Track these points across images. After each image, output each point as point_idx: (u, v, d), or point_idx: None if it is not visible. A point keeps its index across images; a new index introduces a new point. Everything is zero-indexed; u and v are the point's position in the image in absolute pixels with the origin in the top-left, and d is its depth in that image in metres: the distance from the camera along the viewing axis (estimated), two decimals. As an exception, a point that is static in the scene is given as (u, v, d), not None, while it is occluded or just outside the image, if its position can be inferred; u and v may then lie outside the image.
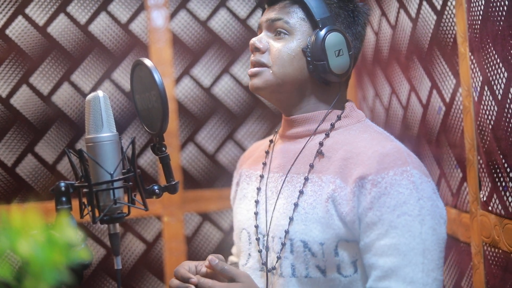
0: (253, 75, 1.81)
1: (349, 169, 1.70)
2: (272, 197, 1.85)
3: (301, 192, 1.76)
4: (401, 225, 1.62)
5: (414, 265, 1.61)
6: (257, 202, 1.89)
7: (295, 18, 1.78)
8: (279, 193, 1.82)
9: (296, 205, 1.75)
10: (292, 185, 1.80)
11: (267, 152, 1.96)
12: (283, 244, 1.76)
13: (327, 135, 1.80)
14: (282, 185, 1.82)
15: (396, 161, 1.66)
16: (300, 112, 1.83)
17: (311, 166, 1.77)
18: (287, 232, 1.75)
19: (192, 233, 3.17)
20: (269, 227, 1.81)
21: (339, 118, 1.81)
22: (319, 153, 1.77)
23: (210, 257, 1.71)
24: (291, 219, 1.75)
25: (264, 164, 1.94)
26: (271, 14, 1.81)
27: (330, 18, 1.76)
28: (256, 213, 1.88)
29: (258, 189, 1.91)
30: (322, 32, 1.73)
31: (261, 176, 1.92)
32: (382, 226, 1.63)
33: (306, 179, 1.76)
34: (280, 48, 1.77)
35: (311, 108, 1.83)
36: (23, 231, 0.75)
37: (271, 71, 1.78)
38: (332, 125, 1.80)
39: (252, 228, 1.88)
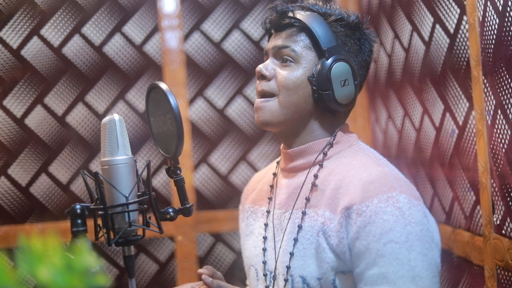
0: (259, 109, 1.81)
1: (337, 199, 1.69)
2: (277, 234, 1.84)
3: (299, 227, 1.76)
4: (388, 253, 1.59)
5: None
6: (265, 238, 1.89)
7: (302, 46, 1.78)
8: (285, 230, 1.81)
9: (295, 240, 1.75)
10: (292, 220, 1.80)
11: (271, 186, 1.96)
12: (286, 280, 1.75)
13: (321, 166, 1.80)
14: (288, 222, 1.81)
15: (381, 188, 1.64)
16: (299, 143, 1.83)
17: (307, 199, 1.77)
18: (288, 267, 1.75)
19: (205, 254, 3.17)
20: (276, 264, 1.81)
21: (331, 145, 1.81)
22: (314, 186, 1.77)
23: (203, 276, 1.71)
24: (291, 254, 1.75)
25: (270, 199, 1.94)
26: (277, 41, 1.81)
27: (337, 47, 1.76)
28: (264, 249, 1.88)
29: (266, 225, 1.90)
30: (329, 62, 1.73)
31: (268, 212, 1.92)
32: (369, 255, 1.61)
33: (304, 213, 1.76)
34: (286, 75, 1.77)
35: (309, 139, 1.82)
36: (43, 256, 0.76)
37: (276, 101, 1.78)
38: (325, 154, 1.80)
39: (259, 264, 1.88)
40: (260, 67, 1.81)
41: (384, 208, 1.61)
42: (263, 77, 1.81)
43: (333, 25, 1.79)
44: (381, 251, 1.59)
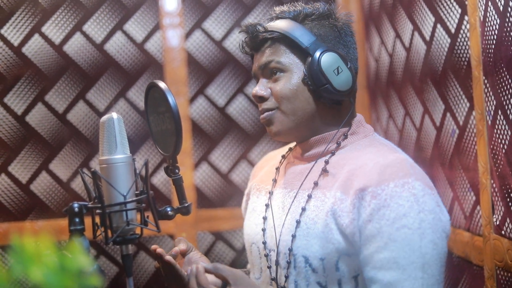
0: (267, 123, 1.81)
1: (351, 181, 1.68)
2: (279, 213, 1.84)
3: (303, 209, 1.75)
4: (401, 238, 1.59)
5: (414, 279, 1.58)
6: (265, 218, 1.89)
7: (285, 54, 1.77)
8: (288, 210, 1.81)
9: (298, 222, 1.74)
10: (297, 201, 1.80)
11: (277, 169, 1.96)
12: (288, 262, 1.75)
13: (333, 154, 1.79)
14: (292, 202, 1.81)
15: (397, 173, 1.64)
16: (313, 136, 1.83)
17: (315, 183, 1.76)
18: (290, 249, 1.75)
19: (205, 252, 3.17)
20: (278, 243, 1.81)
21: (345, 136, 1.81)
22: (324, 171, 1.77)
23: (203, 264, 1.72)
24: (293, 236, 1.74)
25: (274, 180, 1.94)
26: (261, 59, 1.81)
27: (317, 40, 1.74)
28: (263, 230, 1.88)
29: (267, 205, 1.90)
30: (315, 57, 1.72)
31: (270, 193, 1.92)
32: (381, 239, 1.60)
33: (309, 196, 1.76)
34: (282, 87, 1.76)
35: (322, 130, 1.82)
36: (36, 256, 0.75)
37: (280, 112, 1.78)
38: (338, 144, 1.80)
39: (261, 243, 1.88)
40: (256, 89, 1.80)
41: (400, 193, 1.61)
42: (261, 98, 1.80)
43: (305, 23, 1.78)
44: (394, 236, 1.59)
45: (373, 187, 1.63)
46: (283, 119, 1.78)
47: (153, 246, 1.78)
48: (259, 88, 1.80)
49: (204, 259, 1.88)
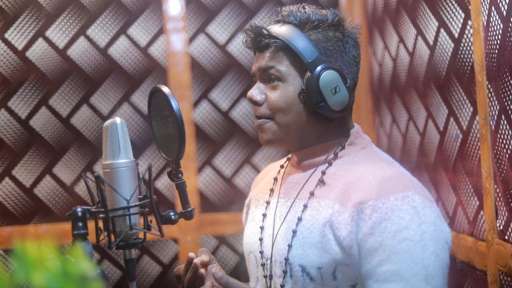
0: (260, 130, 1.81)
1: (349, 193, 1.67)
2: (275, 222, 1.84)
3: (299, 219, 1.75)
4: (403, 251, 1.58)
5: None
6: (262, 228, 1.89)
7: (286, 64, 1.75)
8: (284, 219, 1.81)
9: (294, 232, 1.75)
10: (294, 211, 1.80)
11: (275, 179, 1.96)
12: (284, 272, 1.75)
13: (330, 164, 1.79)
14: (288, 211, 1.81)
15: (397, 186, 1.63)
16: (305, 146, 1.82)
17: (311, 193, 1.76)
18: (286, 259, 1.74)
19: (208, 256, 3.17)
20: (272, 253, 1.81)
21: (343, 147, 1.80)
22: (320, 181, 1.77)
23: (213, 270, 1.74)
24: (289, 246, 1.74)
25: (271, 190, 1.94)
26: (261, 62, 1.79)
27: (320, 56, 1.72)
28: (260, 239, 1.88)
29: (264, 215, 1.91)
30: (315, 75, 1.69)
31: (267, 202, 1.92)
32: (383, 252, 1.59)
33: (305, 206, 1.75)
34: (277, 97, 1.75)
35: (318, 141, 1.81)
36: (39, 260, 0.75)
37: (274, 122, 1.77)
38: (336, 154, 1.80)
39: (258, 253, 1.89)
40: (251, 92, 1.80)
41: (400, 206, 1.60)
42: (255, 102, 1.80)
43: (311, 34, 1.75)
44: (396, 248, 1.58)
45: (373, 201, 1.62)
46: (276, 129, 1.77)
47: (191, 254, 1.76)
48: (255, 92, 1.79)
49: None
